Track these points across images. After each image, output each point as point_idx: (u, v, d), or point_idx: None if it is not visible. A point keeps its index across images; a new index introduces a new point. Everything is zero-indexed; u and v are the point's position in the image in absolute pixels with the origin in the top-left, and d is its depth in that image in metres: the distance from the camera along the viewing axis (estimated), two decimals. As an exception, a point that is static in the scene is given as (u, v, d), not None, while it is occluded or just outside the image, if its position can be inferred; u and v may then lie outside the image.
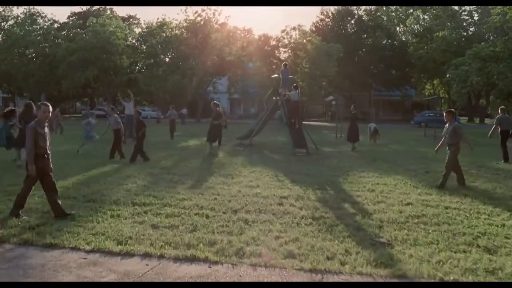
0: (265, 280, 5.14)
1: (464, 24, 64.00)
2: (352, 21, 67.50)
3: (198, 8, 54.00)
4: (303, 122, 21.24)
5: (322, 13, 67.48)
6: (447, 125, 11.21)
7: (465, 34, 63.29)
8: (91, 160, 14.91)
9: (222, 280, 5.14)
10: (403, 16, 69.91)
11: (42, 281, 5.11)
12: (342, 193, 10.01)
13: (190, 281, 5.14)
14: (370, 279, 5.22)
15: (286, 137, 20.74)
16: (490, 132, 17.04)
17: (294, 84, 21.35)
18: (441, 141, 11.45)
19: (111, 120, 16.91)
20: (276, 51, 56.86)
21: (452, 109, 11.53)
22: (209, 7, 53.81)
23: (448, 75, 44.37)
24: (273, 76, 22.30)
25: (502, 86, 38.87)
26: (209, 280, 5.13)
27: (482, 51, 38.59)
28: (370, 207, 8.65)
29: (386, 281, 5.22)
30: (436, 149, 11.90)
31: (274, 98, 20.91)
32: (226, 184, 10.83)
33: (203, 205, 8.51)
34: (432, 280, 5.23)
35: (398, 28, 73.60)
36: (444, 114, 11.27)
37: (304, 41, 54.55)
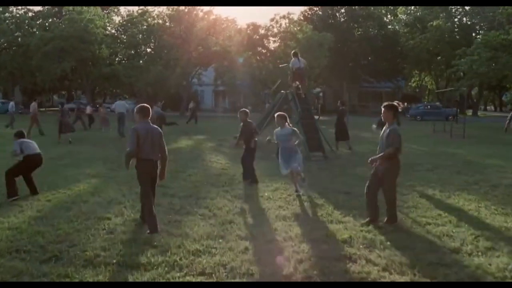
0: None
1: (457, 14, 61.97)
2: (343, 10, 64.78)
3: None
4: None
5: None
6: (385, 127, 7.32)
7: (458, 23, 61.30)
8: (63, 169, 11.82)
9: None
10: (391, 7, 67.90)
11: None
12: (417, 227, 7.11)
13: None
14: None
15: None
16: (506, 126, 14.36)
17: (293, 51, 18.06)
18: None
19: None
20: (265, 40, 53.76)
21: (394, 103, 7.58)
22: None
23: (453, 65, 41.45)
24: (281, 66, 19.04)
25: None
26: None
27: (493, 40, 35.88)
28: (477, 261, 5.73)
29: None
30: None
31: (282, 91, 17.76)
32: (251, 214, 7.85)
33: (233, 265, 5.39)
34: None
35: (388, 17, 71.33)
36: (383, 110, 7.20)
37: (295, 29, 51.70)
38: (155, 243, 6.12)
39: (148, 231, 6.55)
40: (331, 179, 11.23)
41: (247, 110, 11.46)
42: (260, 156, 15.50)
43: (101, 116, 26.54)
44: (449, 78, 66.40)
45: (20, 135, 9.21)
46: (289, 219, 7.46)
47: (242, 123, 10.92)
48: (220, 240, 6.27)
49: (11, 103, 29.72)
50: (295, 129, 8.94)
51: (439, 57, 59.52)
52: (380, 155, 7.01)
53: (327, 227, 7.03)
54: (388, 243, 6.25)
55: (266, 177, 11.24)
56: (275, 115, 9.03)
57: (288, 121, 9.41)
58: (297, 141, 9.32)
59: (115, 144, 18.89)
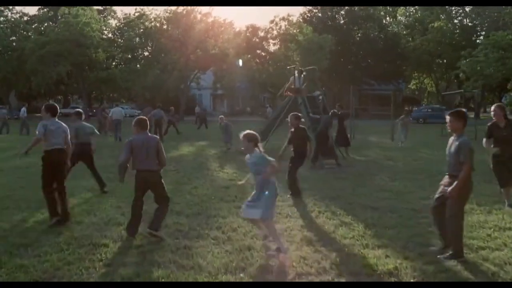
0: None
1: (457, 15, 61.07)
2: (342, 12, 63.80)
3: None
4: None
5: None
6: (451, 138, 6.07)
7: (459, 25, 60.40)
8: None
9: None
10: (389, 9, 67.02)
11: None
12: (470, 253, 6.03)
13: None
14: None
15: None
16: None
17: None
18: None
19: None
20: (265, 43, 52.79)
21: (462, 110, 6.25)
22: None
23: (459, 67, 40.43)
24: (289, 68, 17.99)
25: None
26: None
27: (502, 40, 34.84)
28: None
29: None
30: None
31: (290, 94, 16.68)
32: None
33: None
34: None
35: (387, 19, 70.39)
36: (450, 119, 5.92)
37: (295, 31, 50.78)
38: (163, 279, 5.04)
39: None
40: (352, 191, 10.16)
41: (299, 114, 10.46)
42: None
43: (108, 121, 25.50)
44: (451, 80, 65.67)
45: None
46: (316, 243, 6.38)
47: (292, 129, 9.82)
48: (242, 275, 5.18)
49: (23, 109, 29.08)
50: (263, 155, 6.14)
51: (440, 59, 58.56)
52: (455, 184, 5.61)
53: (364, 254, 5.95)
54: (443, 275, 5.19)
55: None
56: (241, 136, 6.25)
57: (258, 144, 6.28)
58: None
59: (112, 151, 17.80)
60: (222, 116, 19.38)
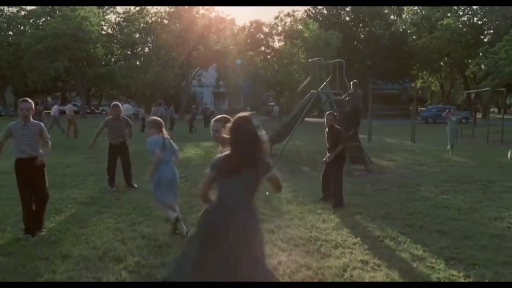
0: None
1: (466, 13, 59.26)
2: (348, 8, 62.06)
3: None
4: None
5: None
6: None
7: (467, 23, 58.52)
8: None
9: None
10: (394, 8, 65.23)
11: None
12: None
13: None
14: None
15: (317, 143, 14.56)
16: None
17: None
18: None
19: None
20: (270, 39, 50.91)
21: None
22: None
23: (473, 65, 38.65)
24: (311, 60, 15.93)
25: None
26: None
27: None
28: None
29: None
30: None
31: (313, 90, 14.71)
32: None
33: None
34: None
35: (392, 18, 68.56)
36: None
37: (300, 27, 48.96)
38: None
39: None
40: (401, 207, 8.33)
41: (336, 113, 9.38)
42: (291, 169, 12.69)
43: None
44: (455, 79, 63.95)
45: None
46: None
47: (327, 128, 8.85)
48: None
49: (55, 106, 27.37)
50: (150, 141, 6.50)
51: (449, 58, 56.79)
52: None
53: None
54: None
55: (313, 203, 8.40)
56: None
57: (162, 129, 6.79)
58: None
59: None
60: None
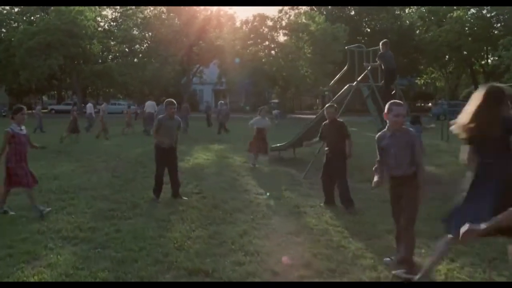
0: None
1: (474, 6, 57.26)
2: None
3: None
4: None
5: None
6: None
7: (478, 15, 56.37)
8: (25, 220, 6.70)
9: None
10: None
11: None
12: None
13: None
14: None
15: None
16: None
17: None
18: None
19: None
20: (275, 33, 48.77)
21: None
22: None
23: (491, 58, 36.54)
24: (347, 48, 13.25)
25: None
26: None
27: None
28: None
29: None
30: None
31: (350, 84, 12.23)
32: None
33: None
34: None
35: (396, 12, 66.49)
36: None
37: (305, 20, 46.88)
38: None
39: None
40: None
41: (335, 105, 8.55)
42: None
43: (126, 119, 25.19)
44: (460, 74, 61.96)
45: None
46: None
47: (328, 122, 8.02)
48: None
49: (89, 104, 25.93)
50: None
51: (459, 52, 54.69)
52: None
53: None
54: None
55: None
56: None
57: None
58: None
59: (110, 156, 13.80)
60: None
